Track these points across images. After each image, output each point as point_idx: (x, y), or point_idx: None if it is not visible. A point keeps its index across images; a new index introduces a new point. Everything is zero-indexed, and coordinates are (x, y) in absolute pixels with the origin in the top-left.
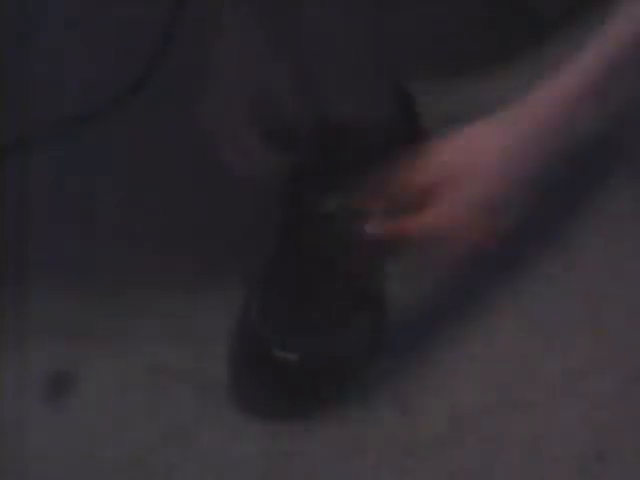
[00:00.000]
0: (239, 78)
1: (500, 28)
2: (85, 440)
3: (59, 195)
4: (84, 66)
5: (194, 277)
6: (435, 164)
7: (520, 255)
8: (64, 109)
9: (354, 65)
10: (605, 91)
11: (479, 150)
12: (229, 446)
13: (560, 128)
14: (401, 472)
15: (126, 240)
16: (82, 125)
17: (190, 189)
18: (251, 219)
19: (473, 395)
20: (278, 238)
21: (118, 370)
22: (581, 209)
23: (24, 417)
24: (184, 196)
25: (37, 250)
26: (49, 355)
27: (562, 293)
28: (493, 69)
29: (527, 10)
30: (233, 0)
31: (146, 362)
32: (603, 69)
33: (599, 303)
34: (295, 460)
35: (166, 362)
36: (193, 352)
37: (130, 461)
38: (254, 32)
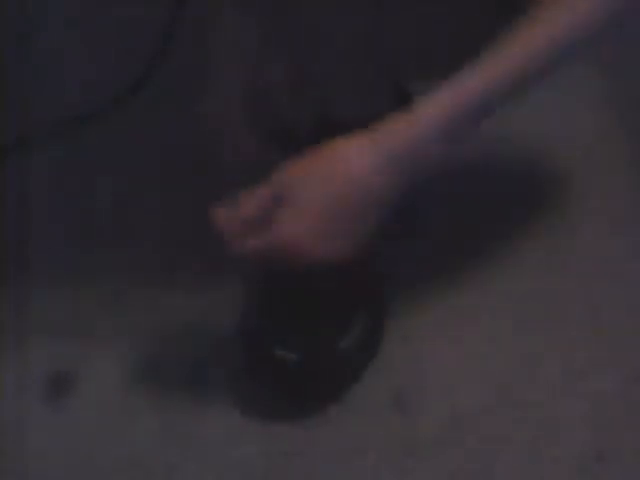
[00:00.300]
0: (239, 78)
1: (500, 28)
2: (85, 440)
3: (59, 195)
4: (84, 66)
5: (194, 277)
6: (276, 181)
7: (520, 255)
8: (64, 109)
9: (354, 65)
10: (481, 115)
11: (318, 171)
12: (229, 446)
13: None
14: (401, 472)
15: (126, 240)
16: (82, 125)
17: (190, 189)
18: None
19: (473, 395)
20: None
21: (118, 370)
22: (581, 209)
23: (24, 417)
24: (184, 196)
25: (37, 250)
26: (49, 355)
27: (562, 293)
28: None
29: (527, 10)
30: (233, 0)
31: (146, 362)
32: (479, 92)
33: (599, 303)
34: (295, 460)
35: (166, 361)
36: (193, 352)
37: (130, 461)
38: (254, 32)
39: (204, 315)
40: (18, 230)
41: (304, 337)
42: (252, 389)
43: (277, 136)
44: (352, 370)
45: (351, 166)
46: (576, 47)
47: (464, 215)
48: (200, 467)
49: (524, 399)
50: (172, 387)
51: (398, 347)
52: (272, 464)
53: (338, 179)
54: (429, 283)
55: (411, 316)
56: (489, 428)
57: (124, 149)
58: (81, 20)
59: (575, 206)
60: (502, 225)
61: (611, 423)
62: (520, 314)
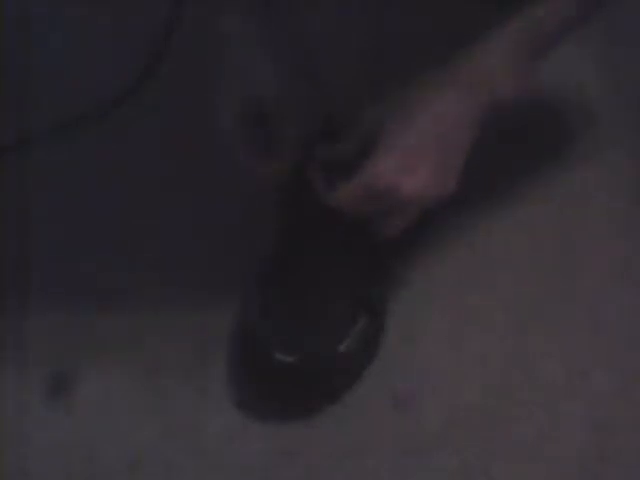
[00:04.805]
0: (241, 79)
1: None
2: (85, 440)
3: (59, 195)
4: (84, 66)
5: (194, 277)
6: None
7: (520, 255)
8: (64, 109)
9: (356, 65)
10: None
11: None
12: (229, 446)
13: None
14: (401, 472)
15: (126, 240)
16: (82, 125)
17: (190, 189)
18: (252, 220)
19: (473, 395)
20: (278, 239)
21: (118, 370)
22: (581, 210)
23: (24, 417)
24: (184, 196)
25: (37, 250)
26: (49, 355)
27: (562, 293)
28: None
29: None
30: (234, 2)
31: (146, 362)
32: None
33: (599, 303)
34: (295, 460)
35: (166, 362)
36: (193, 352)
37: (130, 461)
38: (256, 33)
39: (204, 314)
40: (18, 230)
41: (304, 340)
42: (252, 389)
43: (279, 137)
44: (352, 372)
45: (435, 105)
46: None
47: (462, 215)
48: (200, 467)
49: (524, 399)
50: (172, 387)
51: (398, 347)
52: (272, 464)
53: (426, 117)
54: (429, 283)
55: (411, 316)
56: (489, 428)
57: (124, 149)
58: (81, 20)
59: (575, 206)
60: (501, 225)
61: (611, 423)
62: (520, 314)
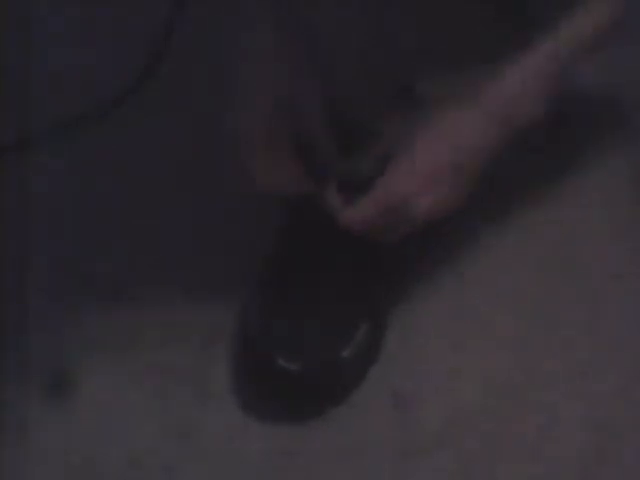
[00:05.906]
0: (258, 93)
1: (500, 28)
2: (85, 440)
3: (59, 195)
4: (84, 66)
5: (194, 277)
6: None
7: (520, 254)
8: (64, 109)
9: (356, 65)
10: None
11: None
12: (229, 446)
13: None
14: (401, 472)
15: (126, 240)
16: (82, 125)
17: (190, 189)
18: (252, 220)
19: (473, 395)
20: (278, 239)
21: (118, 370)
22: (581, 210)
23: (24, 417)
24: (184, 196)
25: (37, 250)
26: (49, 355)
27: (562, 293)
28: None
29: (527, 10)
30: (247, 5)
31: (146, 362)
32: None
33: (598, 303)
34: (295, 460)
35: (166, 362)
36: (193, 352)
37: (130, 461)
38: (271, 35)
39: (204, 315)
40: (18, 230)
41: (305, 345)
42: (253, 389)
43: (298, 144)
44: (354, 376)
45: (456, 129)
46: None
47: (463, 217)
48: (200, 467)
49: (524, 399)
50: (172, 387)
51: (398, 347)
52: (272, 464)
53: (446, 141)
54: (429, 283)
55: (411, 316)
56: (489, 428)
57: (124, 149)
58: (81, 20)
59: (575, 206)
60: (501, 225)
61: (611, 423)
62: (520, 314)
